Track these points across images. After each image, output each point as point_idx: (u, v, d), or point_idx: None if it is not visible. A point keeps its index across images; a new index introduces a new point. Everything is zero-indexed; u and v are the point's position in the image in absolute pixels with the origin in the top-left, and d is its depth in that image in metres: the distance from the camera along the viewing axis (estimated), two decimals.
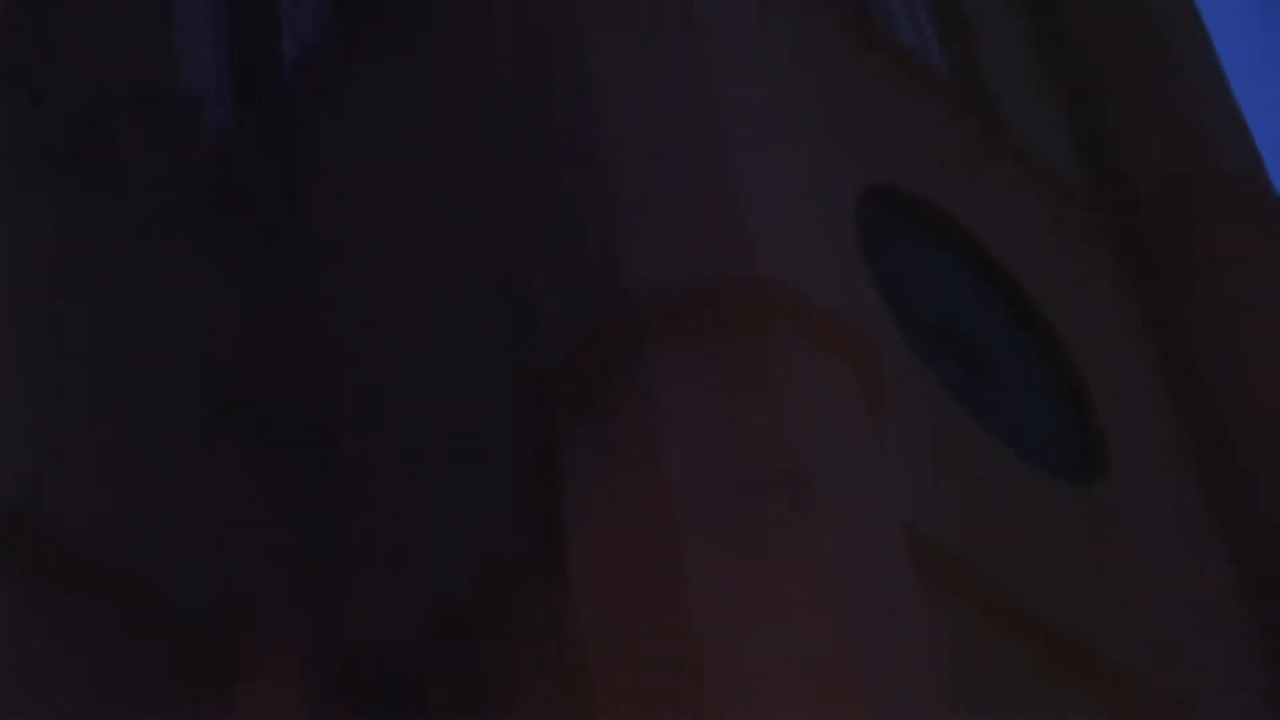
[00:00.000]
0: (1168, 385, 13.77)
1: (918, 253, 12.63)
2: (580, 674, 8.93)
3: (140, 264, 11.31)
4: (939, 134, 13.53)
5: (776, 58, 11.01)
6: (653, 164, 9.98)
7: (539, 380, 9.89)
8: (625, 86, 10.30)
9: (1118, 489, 12.76)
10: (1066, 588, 11.24)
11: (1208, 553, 13.34)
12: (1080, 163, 15.08)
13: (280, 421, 11.43)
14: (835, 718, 7.94)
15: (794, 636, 8.18)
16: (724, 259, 9.58)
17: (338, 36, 12.97)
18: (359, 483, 11.25)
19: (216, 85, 13.72)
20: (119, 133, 11.61)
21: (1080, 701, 11.12)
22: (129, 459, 10.65)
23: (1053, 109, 15.09)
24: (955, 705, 8.88)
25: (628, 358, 9.42)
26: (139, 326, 11.00)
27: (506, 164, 11.23)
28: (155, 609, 10.21)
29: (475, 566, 10.28)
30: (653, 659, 8.45)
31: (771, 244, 9.71)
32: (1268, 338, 14.30)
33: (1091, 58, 15.55)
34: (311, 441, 11.46)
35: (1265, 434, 13.91)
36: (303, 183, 12.57)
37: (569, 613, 9.46)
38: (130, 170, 11.55)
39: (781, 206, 10.01)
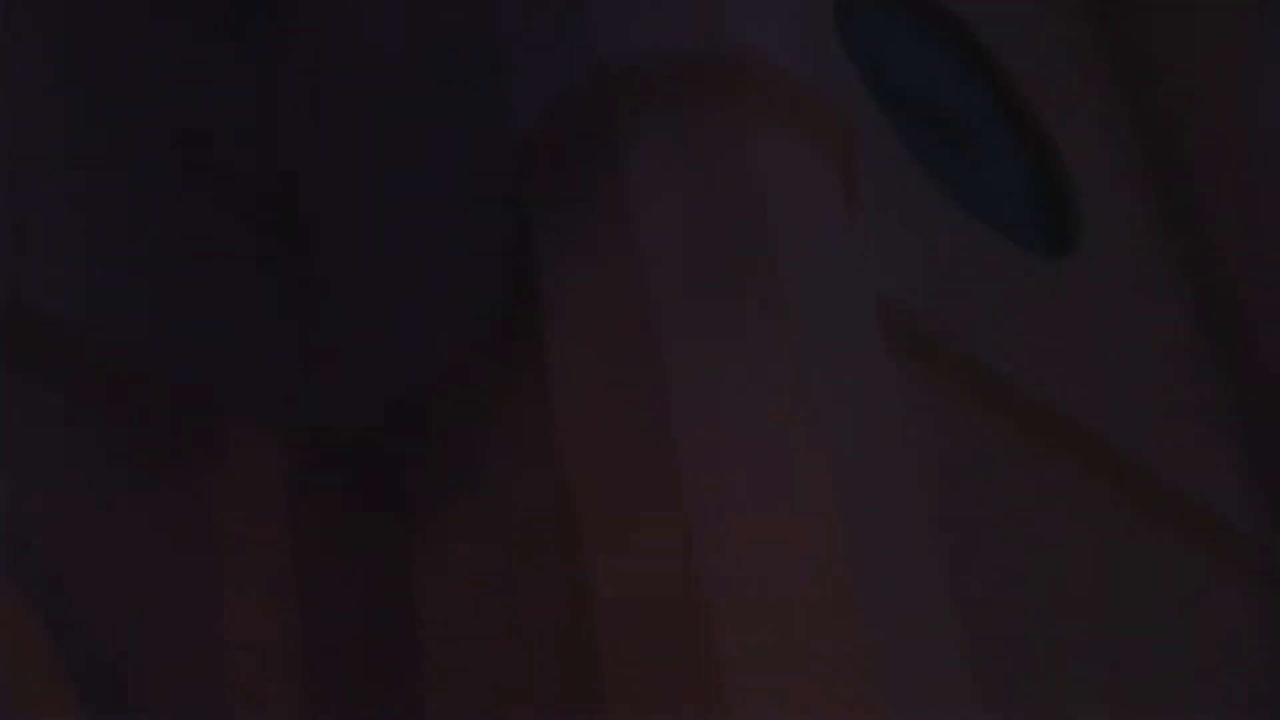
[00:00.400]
0: (1144, 158, 13.94)
1: (893, 26, 12.62)
2: (553, 454, 9.07)
3: (109, 30, 11.16)
4: None
5: None
6: None
7: (508, 157, 9.87)
8: None
9: (1091, 262, 12.97)
10: (1041, 361, 11.41)
11: (1180, 326, 13.58)
12: None
13: (251, 198, 11.30)
14: (808, 497, 7.95)
15: (768, 420, 8.15)
16: (696, 32, 9.52)
17: None
18: (331, 259, 11.18)
19: None
20: None
21: (1056, 473, 11.32)
22: (93, 231, 10.48)
23: None
24: (929, 480, 9.29)
25: (597, 134, 9.36)
26: (105, 94, 10.90)
27: None
28: (123, 387, 10.10)
29: (447, 345, 10.23)
30: (626, 442, 8.43)
31: (746, 17, 9.67)
32: (1246, 110, 14.43)
33: None
34: (283, 218, 11.33)
35: (1240, 206, 14.12)
36: None
37: (542, 394, 9.46)
38: None
39: None
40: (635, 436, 8.53)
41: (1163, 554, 11.80)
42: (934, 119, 12.40)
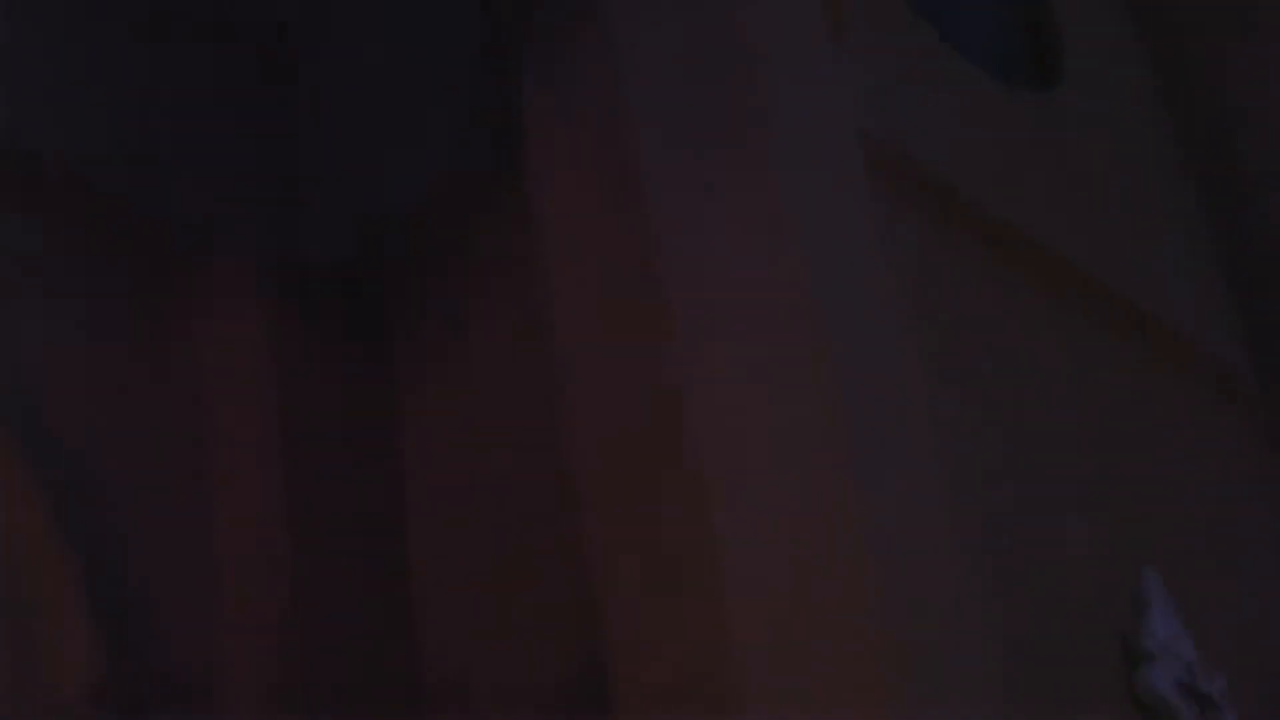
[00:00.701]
0: None
1: None
2: (535, 288, 9.04)
3: None
4: None
5: None
6: None
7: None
8: None
9: (1074, 94, 13.03)
10: (1024, 194, 11.42)
11: (1165, 160, 13.72)
12: None
13: (233, 25, 11.04)
14: (799, 340, 7.97)
15: (752, 257, 8.18)
16: None
17: None
18: (314, 88, 11.12)
19: None
20: None
21: (1038, 304, 11.34)
22: (72, 61, 10.26)
23: None
24: (913, 316, 9.22)
25: None
26: None
27: None
28: (103, 221, 10.01)
29: (431, 176, 10.23)
30: (610, 280, 8.51)
31: None
32: None
33: None
34: (265, 47, 11.14)
35: (1225, 36, 14.25)
36: None
37: (526, 227, 9.34)
38: None
39: None
40: (619, 275, 8.57)
41: (1145, 386, 11.86)
42: None
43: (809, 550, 7.54)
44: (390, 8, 10.97)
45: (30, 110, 10.04)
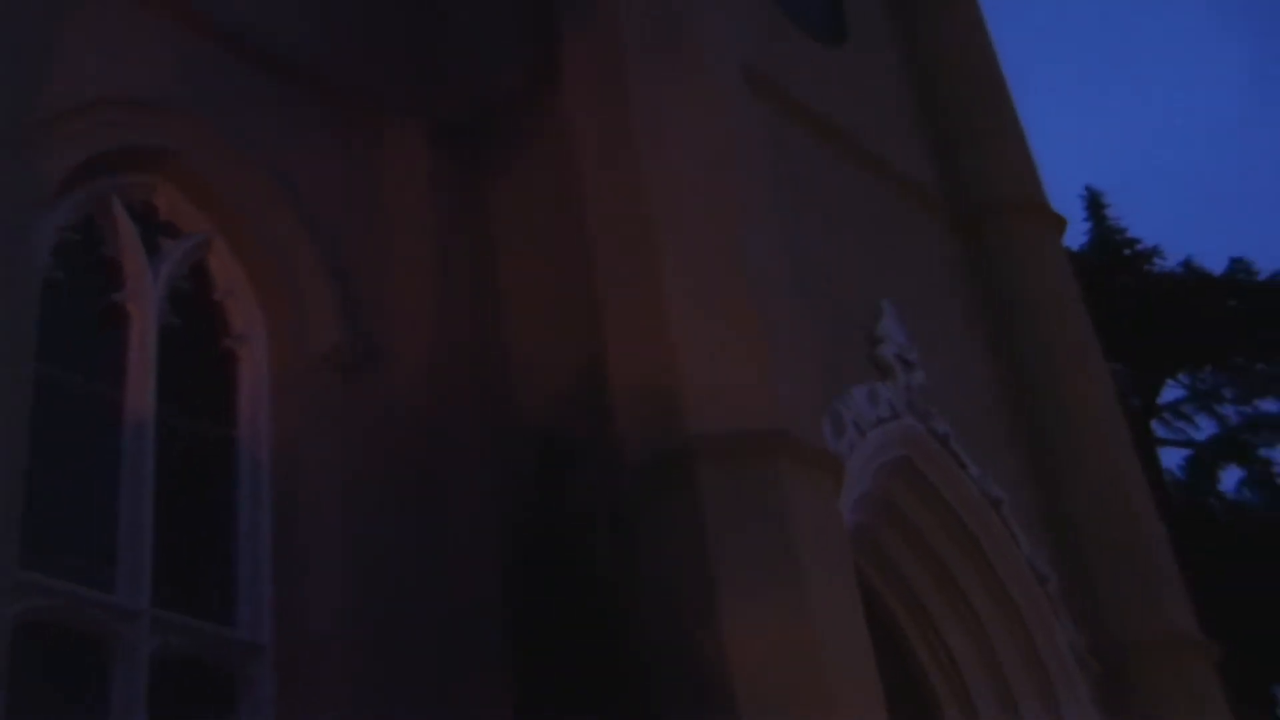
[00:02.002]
0: None
1: None
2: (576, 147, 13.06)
3: None
4: None
5: None
6: None
7: None
8: None
9: (856, 46, 17.38)
10: (835, 99, 15.65)
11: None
12: None
13: None
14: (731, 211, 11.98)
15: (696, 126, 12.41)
16: None
17: None
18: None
19: None
20: None
21: (844, 170, 15.63)
22: None
23: None
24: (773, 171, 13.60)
25: None
26: None
27: None
28: (320, 93, 13.78)
29: (521, 64, 13.86)
30: (608, 141, 12.70)
31: None
32: None
33: None
34: None
35: None
36: None
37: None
38: None
39: None
40: (616, 146, 12.51)
41: (881, 201, 16.03)
42: None
43: None
44: None
45: (273, 13, 13.55)
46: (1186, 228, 45.90)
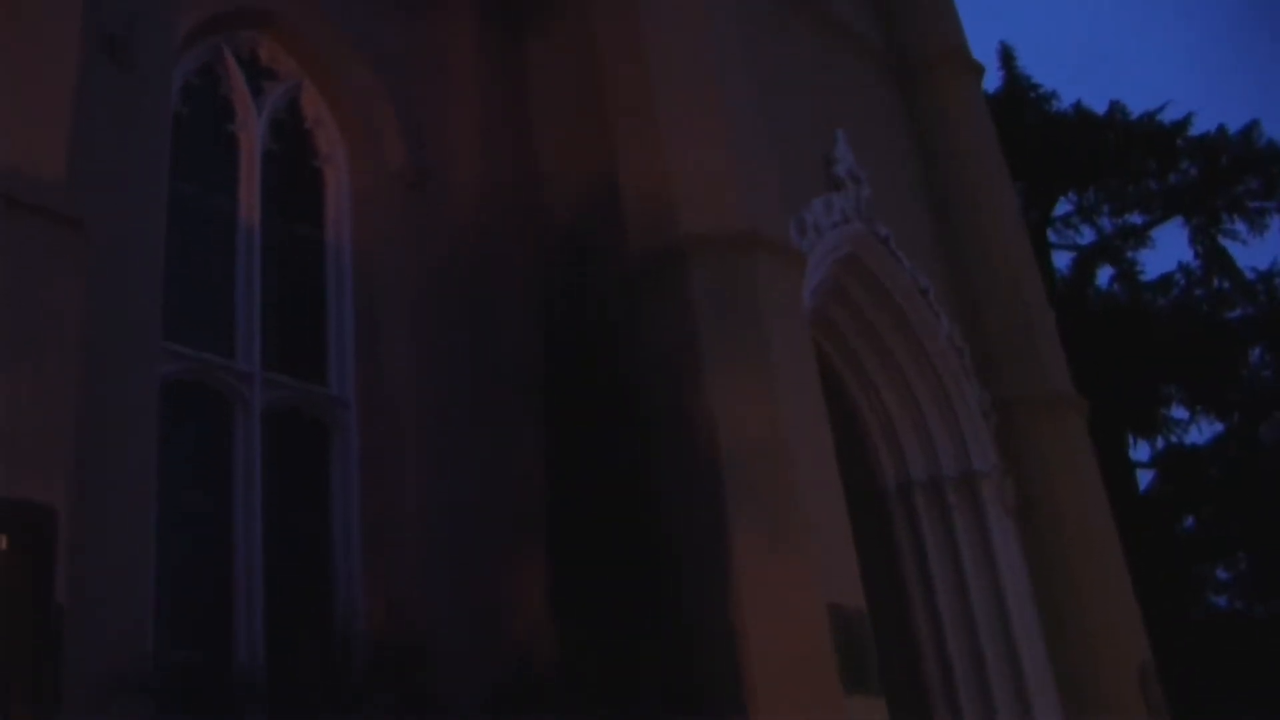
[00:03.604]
0: None
1: None
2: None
3: None
4: None
5: None
6: None
7: None
8: None
9: None
10: None
11: None
12: None
13: None
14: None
15: None
16: None
17: None
18: None
19: None
20: None
21: (808, 39, 15.46)
22: None
23: None
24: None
25: None
26: None
27: None
28: None
29: None
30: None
31: None
32: None
33: None
34: None
35: None
36: None
37: None
38: None
39: None
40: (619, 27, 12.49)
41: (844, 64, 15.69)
42: None
43: None
44: None
45: None
46: (1078, 77, 45.79)
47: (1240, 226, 25.87)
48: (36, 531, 7.53)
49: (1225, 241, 25.98)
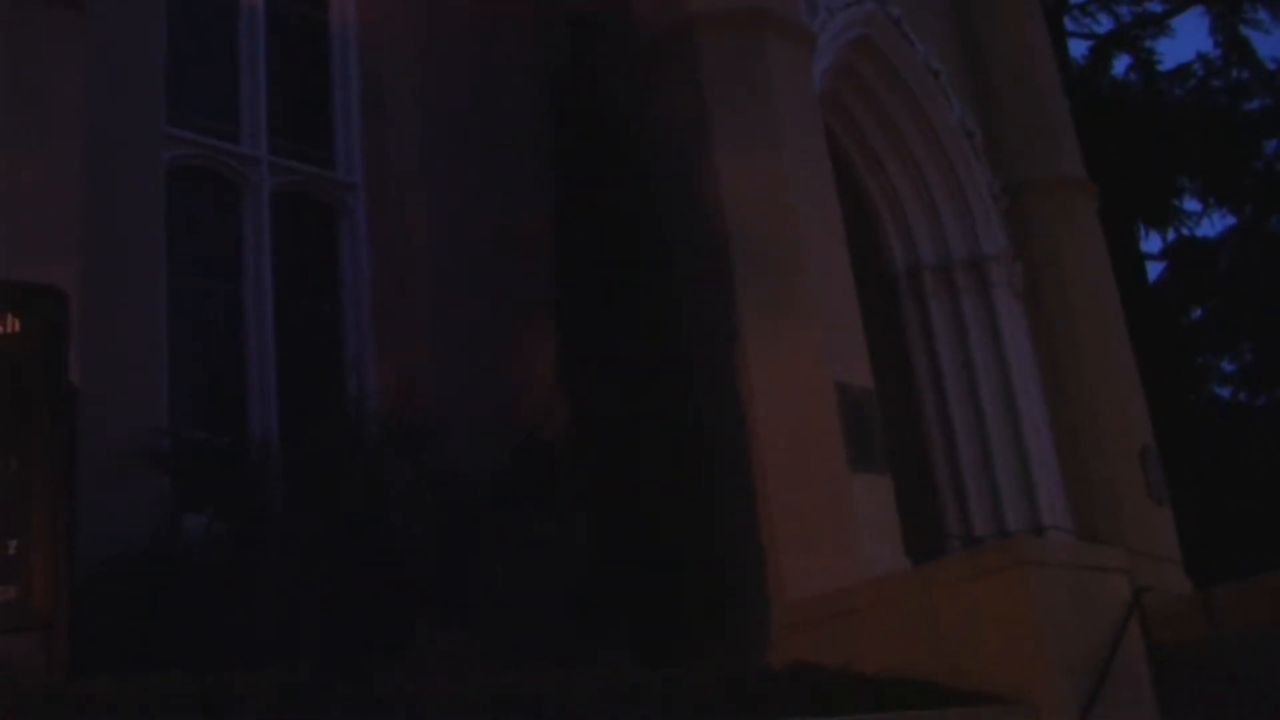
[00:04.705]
0: None
1: None
2: None
3: None
4: None
5: None
6: None
7: None
8: None
9: None
10: None
11: None
12: None
13: None
14: None
15: None
16: None
17: None
18: None
19: None
20: None
21: None
22: None
23: None
24: None
25: None
26: None
27: None
28: None
29: None
30: None
31: None
32: None
33: None
34: None
35: None
36: None
37: None
38: None
39: None
40: None
41: None
42: None
43: None
44: None
45: None
46: None
47: (1264, 14, 25.28)
48: (48, 313, 7.50)
49: (1247, 31, 25.42)
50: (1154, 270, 25.59)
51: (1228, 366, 26.18)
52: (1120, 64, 26.61)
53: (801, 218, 10.84)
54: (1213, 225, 25.92)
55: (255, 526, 8.71)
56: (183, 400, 10.18)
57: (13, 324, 7.47)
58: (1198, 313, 26.05)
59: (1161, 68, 26.12)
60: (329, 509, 8.57)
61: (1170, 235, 25.87)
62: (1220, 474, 20.70)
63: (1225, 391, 26.17)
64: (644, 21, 11.44)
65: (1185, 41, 37.91)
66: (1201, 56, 25.86)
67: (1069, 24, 26.06)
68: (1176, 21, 26.07)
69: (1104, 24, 26.52)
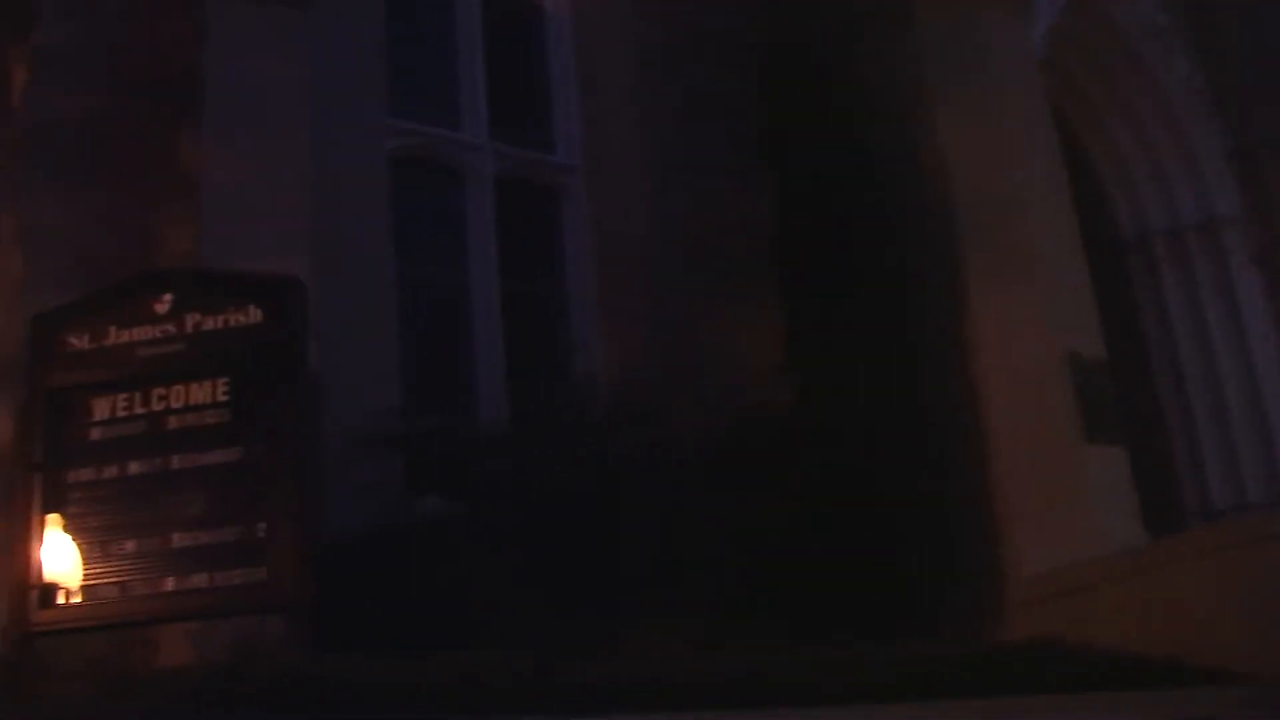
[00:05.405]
0: None
1: None
2: None
3: None
4: None
5: None
6: None
7: None
8: None
9: None
10: None
11: None
12: None
13: None
14: None
15: None
16: None
17: None
18: None
19: None
20: None
21: None
22: None
23: None
24: None
25: None
26: None
27: None
28: None
29: None
30: None
31: None
32: None
33: None
34: None
35: None
36: None
37: None
38: None
39: None
40: None
41: None
42: None
43: None
44: None
45: None
46: None
47: None
48: (287, 302, 7.71)
49: None
50: None
51: None
52: None
53: (1026, 185, 10.57)
54: None
55: (485, 508, 8.78)
56: (414, 384, 10.35)
57: (255, 314, 7.68)
58: None
59: None
60: (557, 490, 8.58)
61: None
62: None
63: None
64: None
65: None
66: None
67: None
68: None
69: None
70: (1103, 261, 12.12)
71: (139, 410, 7.52)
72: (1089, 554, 9.05)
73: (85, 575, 7.36)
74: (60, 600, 7.36)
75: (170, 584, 7.25)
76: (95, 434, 7.53)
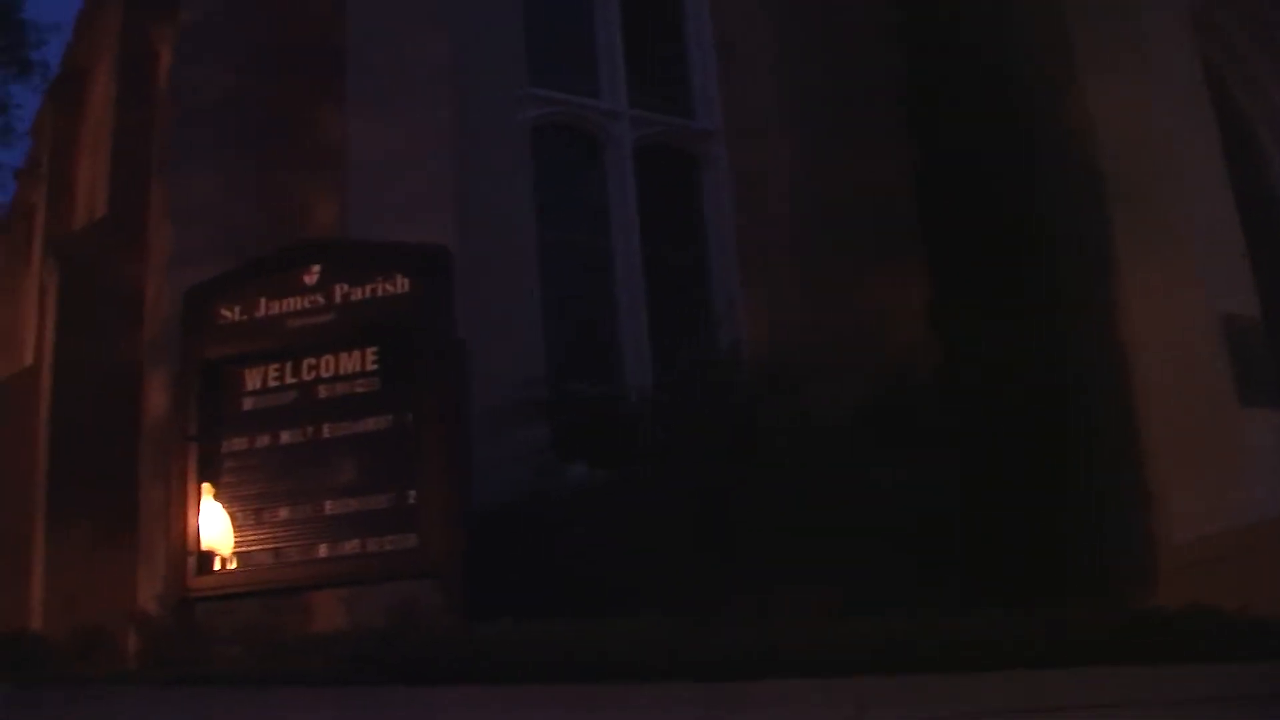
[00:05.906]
0: None
1: None
2: None
3: None
4: None
5: None
6: None
7: None
8: None
9: None
10: None
11: None
12: None
13: None
14: None
15: None
16: None
17: None
18: None
19: None
20: None
21: None
22: None
23: None
24: None
25: None
26: None
27: None
28: None
29: None
30: None
31: None
32: None
33: None
34: None
35: None
36: None
37: None
38: None
39: None
40: None
41: None
42: None
43: None
44: None
45: None
46: None
47: None
48: (435, 271, 7.76)
49: None
50: None
51: None
52: None
53: (1176, 140, 10.25)
54: None
55: (632, 473, 8.76)
56: (558, 352, 10.37)
57: (402, 284, 7.81)
58: None
59: None
60: (703, 455, 8.55)
61: None
62: None
63: None
64: None
65: None
66: None
67: None
68: None
69: None
70: (1258, 222, 11.74)
71: (290, 380, 7.67)
72: (1243, 519, 8.80)
73: (240, 542, 7.52)
74: (216, 567, 7.50)
75: (323, 550, 7.40)
76: (248, 404, 7.69)
